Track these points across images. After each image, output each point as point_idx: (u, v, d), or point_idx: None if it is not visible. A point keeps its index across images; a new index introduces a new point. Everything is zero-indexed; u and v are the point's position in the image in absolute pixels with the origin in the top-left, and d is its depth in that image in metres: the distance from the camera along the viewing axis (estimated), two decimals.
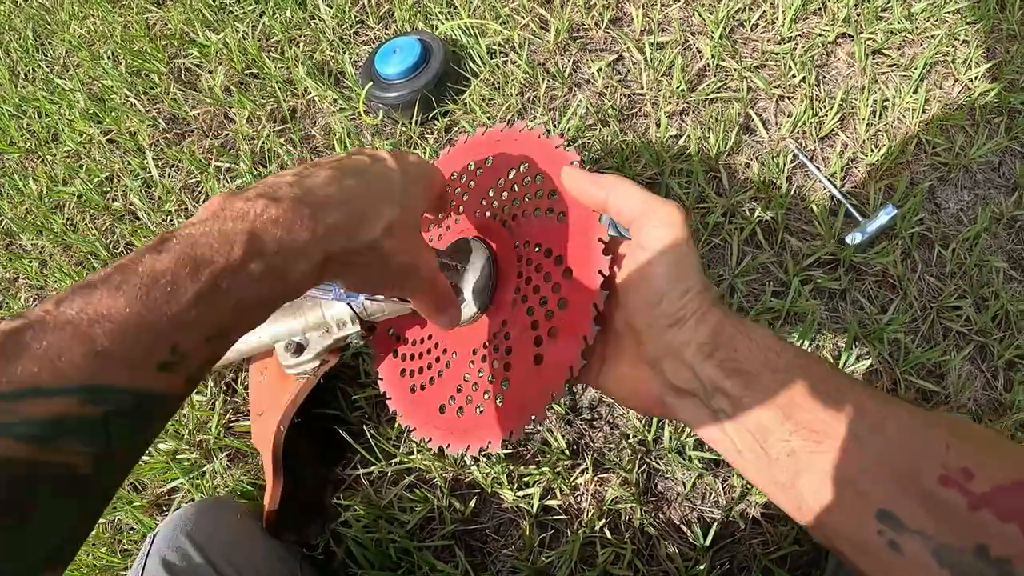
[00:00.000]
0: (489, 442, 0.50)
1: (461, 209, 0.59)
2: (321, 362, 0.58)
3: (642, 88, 0.91)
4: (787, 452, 0.30)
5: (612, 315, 0.42)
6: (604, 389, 0.44)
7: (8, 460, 0.21)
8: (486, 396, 0.52)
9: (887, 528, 0.26)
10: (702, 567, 0.63)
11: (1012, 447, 0.28)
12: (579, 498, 0.68)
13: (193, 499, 0.74)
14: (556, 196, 0.50)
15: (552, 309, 0.48)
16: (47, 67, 1.22)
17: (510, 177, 0.54)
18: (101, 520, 0.74)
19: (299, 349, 0.57)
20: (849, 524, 0.28)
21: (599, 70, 0.93)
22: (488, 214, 0.56)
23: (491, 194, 0.56)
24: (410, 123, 0.92)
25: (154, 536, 0.59)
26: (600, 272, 0.45)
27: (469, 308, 0.55)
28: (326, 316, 0.56)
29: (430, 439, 0.56)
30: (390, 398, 0.62)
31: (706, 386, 0.34)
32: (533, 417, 0.47)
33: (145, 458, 0.78)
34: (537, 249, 0.50)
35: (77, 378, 0.23)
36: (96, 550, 0.73)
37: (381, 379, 0.63)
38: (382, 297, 0.53)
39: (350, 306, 0.55)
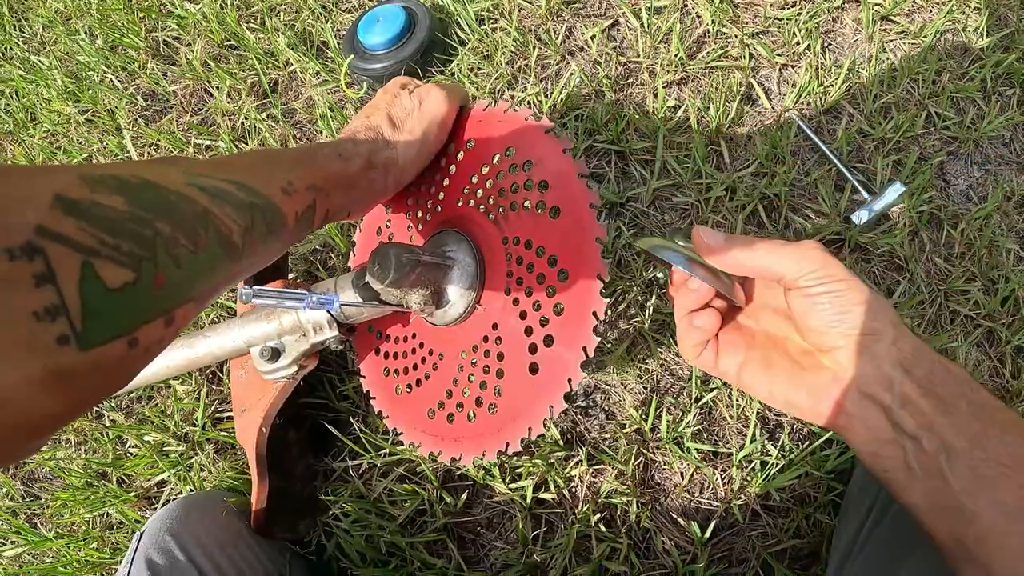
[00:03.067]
0: (484, 453, 0.45)
1: (442, 196, 0.51)
2: (299, 367, 0.51)
3: (638, 56, 0.82)
4: (974, 477, 0.30)
5: (756, 316, 0.40)
6: (755, 391, 0.39)
7: (192, 200, 0.28)
8: (478, 403, 0.46)
9: None
10: (700, 562, 0.58)
11: None
12: (574, 490, 0.63)
13: (181, 492, 0.69)
14: (547, 188, 0.43)
15: (547, 315, 0.42)
16: (24, 44, 1.11)
17: (495, 163, 0.47)
18: (90, 515, 0.69)
19: (275, 355, 0.50)
20: (1017, 550, 0.28)
21: (593, 37, 0.83)
22: (472, 203, 0.49)
23: (475, 181, 0.49)
24: None
25: (141, 534, 0.55)
26: (599, 277, 0.39)
27: (455, 308, 0.48)
28: (302, 320, 0.49)
29: (419, 444, 0.51)
30: (374, 397, 0.56)
31: (897, 398, 0.33)
32: (530, 428, 0.42)
33: (132, 451, 0.72)
34: (528, 247, 0.43)
35: (238, 177, 0.33)
36: (86, 546, 0.68)
37: (363, 377, 0.57)
38: (360, 301, 0.46)
39: (328, 311, 0.48)
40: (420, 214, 0.53)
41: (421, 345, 0.52)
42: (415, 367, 0.52)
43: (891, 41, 0.81)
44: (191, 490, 0.68)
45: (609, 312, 0.69)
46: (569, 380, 0.40)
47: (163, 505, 0.69)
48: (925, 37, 0.79)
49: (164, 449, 0.70)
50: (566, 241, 0.41)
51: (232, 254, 0.30)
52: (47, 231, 0.21)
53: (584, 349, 0.39)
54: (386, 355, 0.55)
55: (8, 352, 0.19)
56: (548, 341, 0.41)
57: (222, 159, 0.35)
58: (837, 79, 0.77)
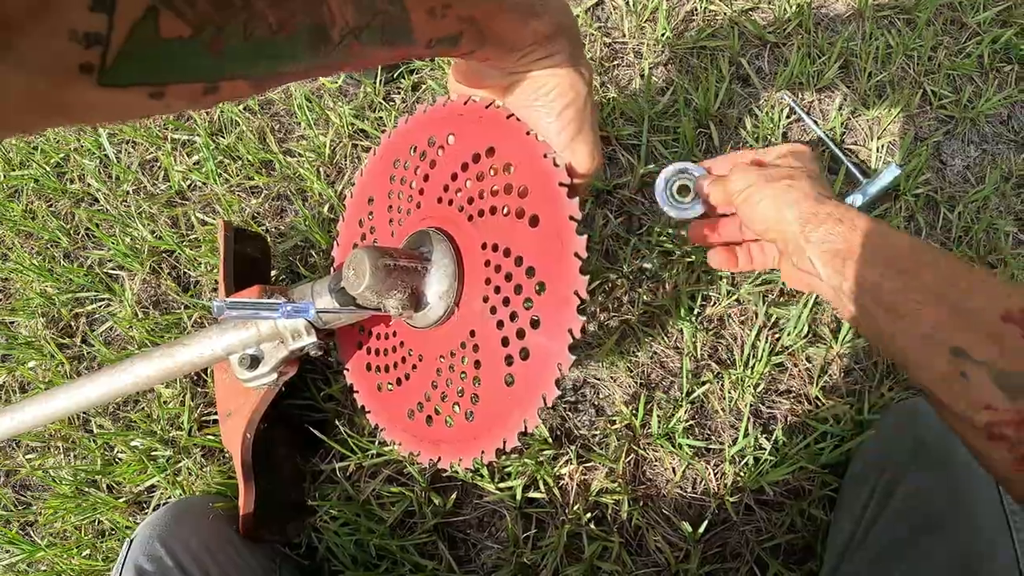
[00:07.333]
0: (460, 459, 0.43)
1: (423, 191, 0.48)
2: (279, 374, 0.49)
3: (624, 36, 0.78)
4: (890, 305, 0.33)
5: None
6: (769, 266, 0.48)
7: None
8: (455, 409, 0.44)
9: (958, 360, 0.29)
10: (693, 559, 0.56)
11: None
12: (564, 488, 0.61)
13: (171, 497, 0.67)
14: (527, 195, 0.40)
15: (524, 327, 0.39)
16: None
17: (475, 163, 0.44)
18: (80, 523, 0.67)
19: (254, 362, 0.48)
20: (928, 356, 0.31)
21: (577, 16, 0.79)
22: (452, 203, 0.46)
23: (454, 180, 0.46)
24: (374, 84, 0.79)
25: (131, 542, 0.54)
26: (576, 294, 0.36)
27: (434, 312, 0.45)
28: (279, 327, 0.47)
29: (399, 443, 0.49)
30: (357, 391, 0.54)
31: (818, 270, 0.37)
32: (504, 440, 0.40)
33: (120, 456, 0.70)
34: (507, 255, 0.41)
35: None
36: (78, 554, 0.66)
37: (347, 369, 0.55)
38: (336, 307, 0.44)
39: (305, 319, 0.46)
40: (401, 209, 0.51)
41: (402, 344, 0.49)
42: (396, 365, 0.50)
43: (885, 17, 0.77)
44: (180, 494, 0.66)
45: (599, 301, 0.66)
46: (544, 396, 0.38)
47: (153, 510, 0.67)
48: (920, 12, 0.75)
49: (152, 454, 0.68)
50: (544, 253, 0.38)
51: (318, 48, 0.26)
52: None
53: (559, 366, 0.37)
54: (369, 350, 0.53)
55: (25, 57, 0.18)
56: (524, 354, 0.39)
57: None
58: (830, 58, 0.73)
